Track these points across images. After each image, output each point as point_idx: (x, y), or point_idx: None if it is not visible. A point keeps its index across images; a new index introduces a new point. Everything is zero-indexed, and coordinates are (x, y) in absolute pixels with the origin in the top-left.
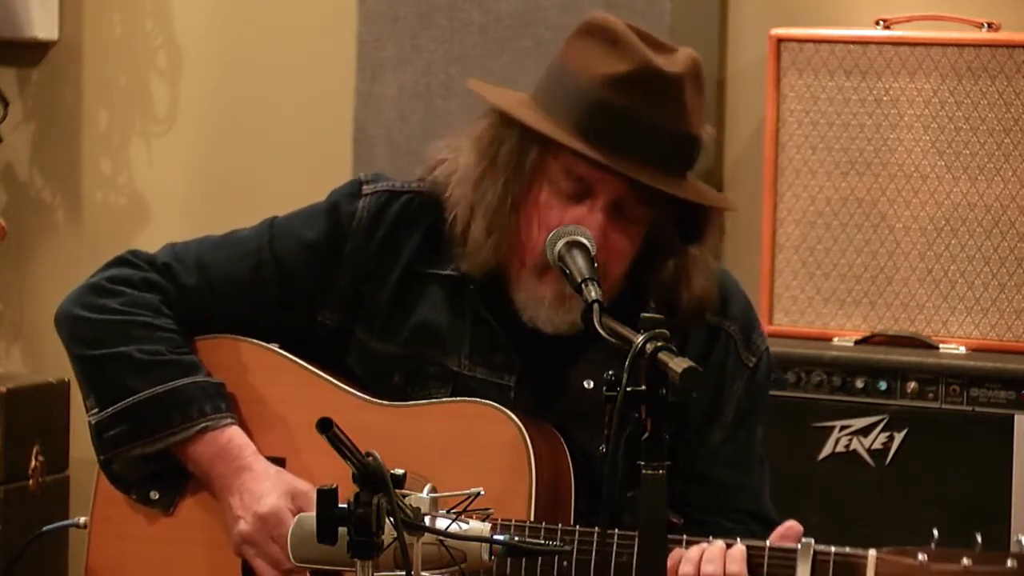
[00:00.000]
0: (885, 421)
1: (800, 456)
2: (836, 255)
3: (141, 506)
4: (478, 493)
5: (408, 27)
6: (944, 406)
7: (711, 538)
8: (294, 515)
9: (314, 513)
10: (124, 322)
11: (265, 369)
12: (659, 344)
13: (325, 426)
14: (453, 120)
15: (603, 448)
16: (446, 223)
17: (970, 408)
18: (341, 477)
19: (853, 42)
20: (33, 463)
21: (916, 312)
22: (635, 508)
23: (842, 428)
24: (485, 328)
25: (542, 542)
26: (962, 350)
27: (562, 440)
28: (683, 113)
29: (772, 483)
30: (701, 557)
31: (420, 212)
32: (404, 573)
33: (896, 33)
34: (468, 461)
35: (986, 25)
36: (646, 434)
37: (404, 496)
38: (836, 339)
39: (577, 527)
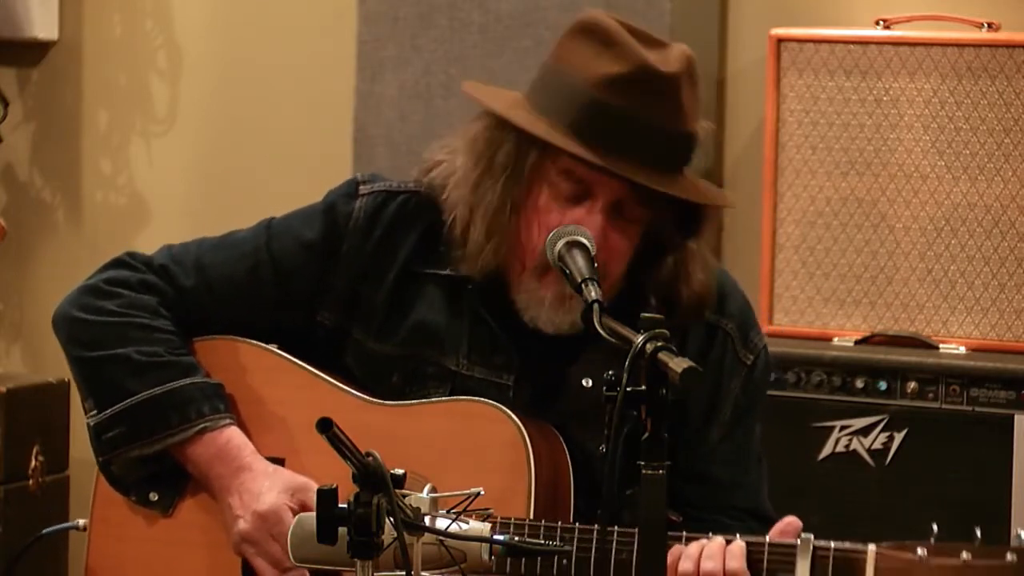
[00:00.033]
0: (885, 421)
1: (800, 456)
2: (836, 255)
3: (140, 507)
4: (478, 493)
5: (408, 27)
6: (944, 406)
7: (710, 534)
8: (294, 511)
9: (314, 513)
10: (122, 324)
11: (263, 370)
12: (659, 344)
13: (325, 426)
14: (453, 120)
15: (603, 448)
16: (443, 224)
17: (970, 408)
18: (340, 477)
19: (853, 42)
20: (33, 463)
21: (916, 312)
22: (634, 506)
23: (842, 428)
24: (484, 328)
25: (542, 542)
26: (962, 350)
27: (561, 439)
28: (679, 112)
29: (772, 483)
30: (701, 553)
31: (417, 212)
32: (404, 573)
33: (896, 33)
34: (468, 461)
35: (986, 25)
36: (646, 434)
37: (404, 496)
38: (836, 339)
39: (577, 524)
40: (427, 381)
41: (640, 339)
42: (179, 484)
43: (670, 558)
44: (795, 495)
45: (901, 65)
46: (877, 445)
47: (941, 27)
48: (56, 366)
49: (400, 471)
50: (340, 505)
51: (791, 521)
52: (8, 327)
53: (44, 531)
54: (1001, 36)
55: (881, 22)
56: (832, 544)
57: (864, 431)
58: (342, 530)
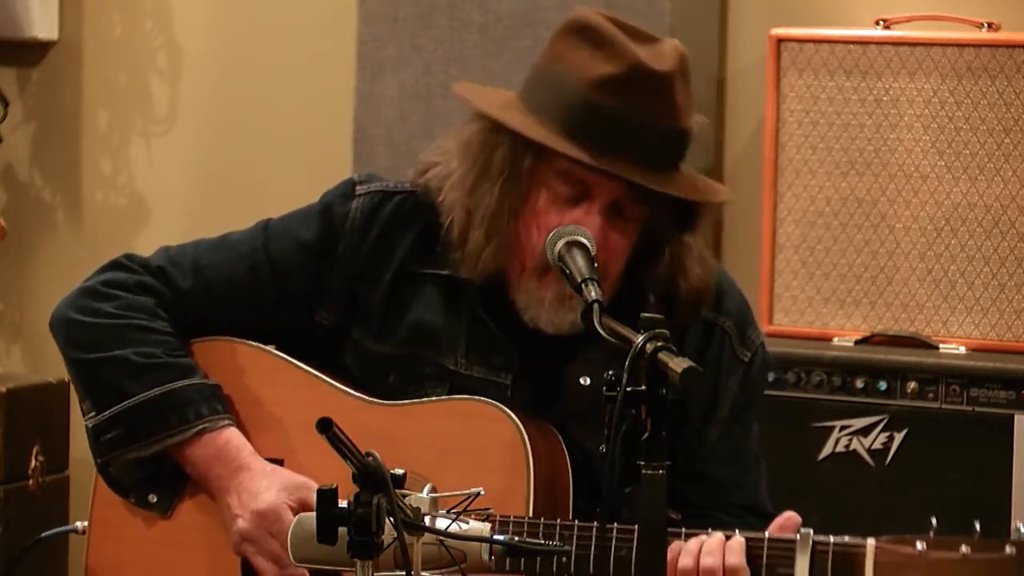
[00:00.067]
0: (885, 421)
1: (800, 456)
2: (836, 255)
3: (139, 509)
4: (478, 493)
5: (408, 27)
6: (944, 406)
7: (710, 530)
8: (293, 509)
9: (314, 513)
10: (119, 326)
11: (262, 371)
12: (659, 344)
13: (325, 426)
14: (453, 120)
15: (603, 448)
16: (440, 225)
17: (970, 408)
18: (340, 477)
19: (853, 42)
20: (33, 463)
21: (916, 312)
22: (633, 504)
23: (842, 428)
24: (482, 328)
25: (542, 542)
26: (962, 350)
27: (560, 438)
28: (673, 109)
29: (772, 484)
30: (700, 549)
31: (414, 213)
32: (404, 573)
33: (896, 33)
34: (468, 461)
35: (986, 25)
36: (646, 434)
37: (404, 496)
38: (836, 339)
39: (576, 522)
40: (425, 381)
41: (640, 339)
42: (178, 485)
43: (669, 554)
44: (795, 495)
45: (901, 65)
46: (877, 445)
47: (941, 27)
48: (56, 366)
49: (400, 471)
50: (340, 505)
51: (790, 516)
52: (8, 327)
53: (43, 535)
54: (1001, 36)
55: (881, 22)
56: (831, 539)
57: (864, 431)
58: (342, 530)
